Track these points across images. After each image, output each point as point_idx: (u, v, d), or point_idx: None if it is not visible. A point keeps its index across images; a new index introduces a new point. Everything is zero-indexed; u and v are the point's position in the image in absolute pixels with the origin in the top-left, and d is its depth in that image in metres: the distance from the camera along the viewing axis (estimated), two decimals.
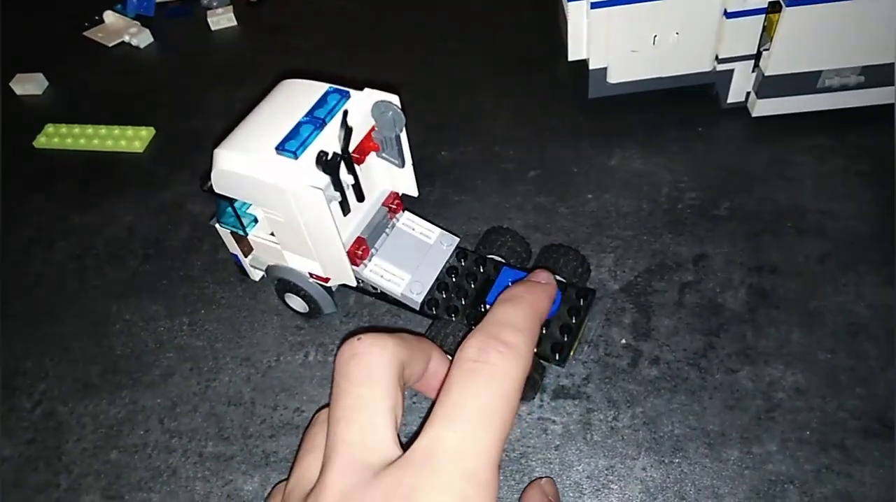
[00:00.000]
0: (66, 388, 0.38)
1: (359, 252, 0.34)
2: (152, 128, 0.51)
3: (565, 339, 0.32)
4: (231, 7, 0.61)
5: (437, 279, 0.35)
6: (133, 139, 0.51)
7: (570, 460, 0.32)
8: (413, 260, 0.35)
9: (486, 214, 0.42)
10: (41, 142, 0.52)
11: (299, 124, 0.31)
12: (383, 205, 0.35)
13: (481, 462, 0.20)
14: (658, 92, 0.46)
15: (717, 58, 0.44)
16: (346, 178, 0.32)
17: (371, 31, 0.59)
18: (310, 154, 0.30)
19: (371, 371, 0.22)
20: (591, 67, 0.44)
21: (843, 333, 0.35)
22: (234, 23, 0.60)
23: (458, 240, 0.35)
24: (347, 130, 0.31)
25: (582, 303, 0.33)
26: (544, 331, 0.32)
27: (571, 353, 0.32)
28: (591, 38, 0.43)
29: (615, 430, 0.33)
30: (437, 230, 0.36)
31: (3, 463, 0.35)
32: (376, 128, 0.32)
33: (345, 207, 0.33)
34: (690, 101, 0.47)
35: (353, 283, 0.35)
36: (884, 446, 0.31)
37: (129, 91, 0.56)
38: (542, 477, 0.31)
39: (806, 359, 0.35)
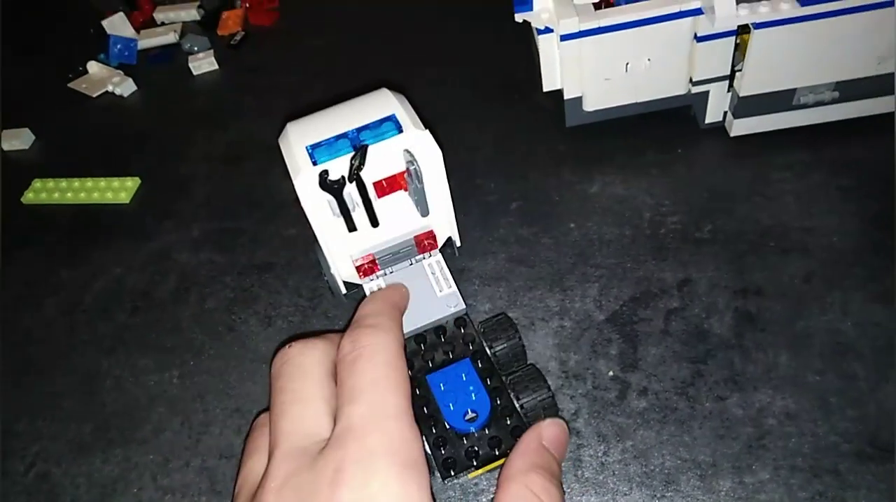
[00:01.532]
0: (59, 448, 0.38)
1: (365, 266, 0.35)
2: (138, 179, 0.52)
3: (469, 461, 0.28)
4: (212, 51, 0.61)
5: (419, 328, 0.34)
6: (119, 190, 0.51)
7: None
8: (413, 300, 0.35)
9: (470, 249, 0.42)
10: (29, 197, 0.52)
11: (344, 135, 0.32)
12: (416, 237, 0.35)
13: (393, 420, 0.22)
14: (635, 115, 0.46)
15: (691, 80, 0.44)
16: (356, 199, 0.33)
17: (350, 64, 0.59)
18: (327, 166, 0.31)
19: (303, 369, 0.25)
20: (566, 97, 0.45)
21: (830, 354, 0.35)
22: (216, 66, 0.61)
23: (464, 308, 0.34)
24: (359, 163, 0.31)
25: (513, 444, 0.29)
26: (464, 441, 0.29)
27: (464, 476, 0.28)
28: (563, 69, 0.43)
29: (606, 466, 0.33)
30: (453, 288, 0.35)
31: None
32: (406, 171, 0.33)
33: (349, 225, 0.34)
34: (669, 123, 0.47)
35: (336, 290, 0.36)
36: (877, 469, 0.31)
37: (114, 141, 0.56)
38: (548, 420, 0.29)
39: (795, 382, 0.34)
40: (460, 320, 0.34)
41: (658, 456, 0.33)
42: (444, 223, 0.36)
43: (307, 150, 0.32)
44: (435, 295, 0.35)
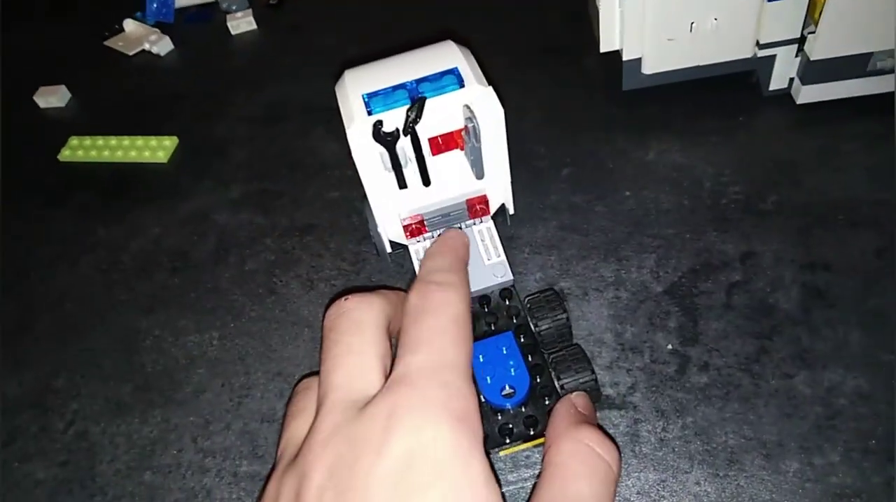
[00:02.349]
0: (98, 407, 0.37)
1: (413, 226, 0.34)
2: (175, 138, 0.51)
3: (502, 438, 0.27)
4: (250, 10, 0.60)
5: None
6: (157, 149, 0.50)
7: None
8: None
9: (520, 216, 0.41)
10: (65, 155, 0.51)
11: (402, 86, 0.30)
12: (468, 201, 0.34)
13: (451, 372, 0.22)
14: (695, 80, 0.43)
15: (757, 43, 0.41)
16: (409, 155, 0.31)
17: (392, 27, 0.57)
18: (381, 116, 0.30)
19: (359, 323, 0.24)
20: (624, 58, 0.42)
21: None
22: (254, 26, 0.59)
23: (511, 279, 0.33)
24: (416, 116, 0.30)
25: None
26: (499, 417, 0.28)
27: (495, 454, 0.28)
28: (624, 28, 0.41)
29: (665, 442, 0.31)
30: (502, 258, 0.34)
31: (36, 486, 0.35)
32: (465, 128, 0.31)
33: (399, 181, 0.33)
34: (730, 89, 0.45)
35: (381, 249, 0.35)
36: None
37: (151, 100, 0.55)
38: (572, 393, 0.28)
39: (867, 361, 0.32)
40: (506, 291, 0.33)
41: (721, 433, 0.31)
42: (498, 188, 0.34)
43: (363, 99, 0.30)
44: (483, 263, 0.34)
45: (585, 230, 0.40)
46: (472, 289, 0.33)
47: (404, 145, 0.31)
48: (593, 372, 0.29)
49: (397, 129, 0.30)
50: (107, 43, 0.61)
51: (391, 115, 0.30)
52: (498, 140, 0.32)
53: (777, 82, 0.43)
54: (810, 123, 0.43)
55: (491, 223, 0.35)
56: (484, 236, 0.35)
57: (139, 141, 0.51)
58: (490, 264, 0.34)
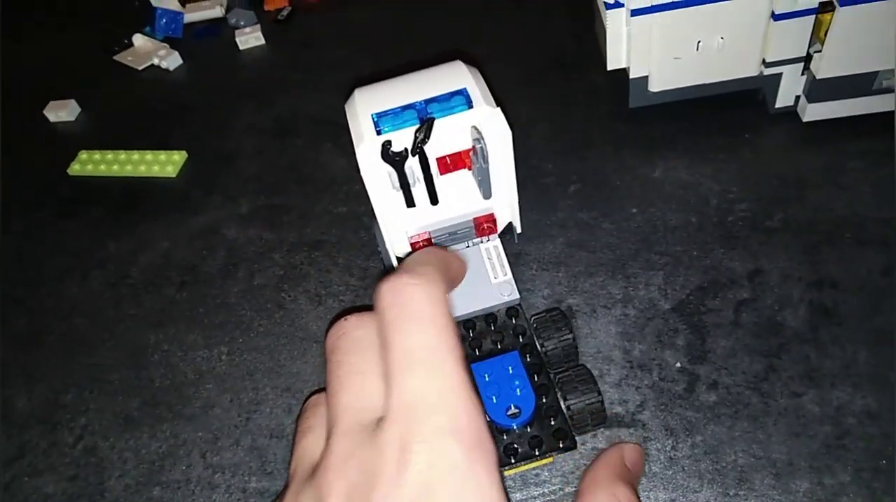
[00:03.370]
0: (106, 422, 0.37)
1: (420, 244, 0.34)
2: (184, 152, 0.51)
3: (507, 458, 0.28)
4: (258, 26, 0.60)
5: (469, 313, 0.33)
6: (166, 164, 0.50)
7: None
8: (465, 284, 0.34)
9: (527, 233, 0.41)
10: (75, 169, 0.52)
11: (411, 106, 0.31)
12: (475, 219, 0.34)
13: (456, 393, 0.21)
14: (701, 98, 0.44)
15: (763, 61, 0.42)
16: (417, 174, 0.32)
17: (399, 40, 0.58)
18: (390, 136, 0.30)
19: (360, 342, 0.23)
20: (631, 76, 0.43)
21: None
22: (262, 41, 0.60)
23: (518, 298, 0.33)
24: (424, 137, 0.30)
25: (561, 444, 0.29)
26: (504, 437, 0.29)
27: (514, 470, 0.28)
28: (631, 47, 0.41)
29: (674, 461, 0.31)
30: (509, 276, 0.34)
31: (46, 500, 0.35)
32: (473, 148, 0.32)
33: (408, 201, 0.33)
34: (735, 107, 0.45)
35: (388, 265, 0.35)
36: None
37: (160, 114, 0.56)
38: (628, 443, 0.28)
39: (875, 380, 0.33)
40: (512, 310, 0.33)
41: (730, 452, 0.31)
42: (505, 207, 0.35)
43: (372, 118, 0.30)
44: (489, 281, 0.34)
45: (593, 247, 0.40)
46: (479, 308, 0.33)
47: (412, 164, 0.31)
48: (599, 393, 0.29)
49: (406, 149, 0.30)
50: (116, 57, 0.61)
51: (400, 135, 0.30)
52: (505, 160, 0.32)
53: (783, 100, 0.43)
54: (816, 141, 0.43)
55: (498, 241, 0.35)
56: (491, 254, 0.35)
57: (148, 155, 0.51)
58: (497, 283, 0.34)
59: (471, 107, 0.30)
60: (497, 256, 0.35)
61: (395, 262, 0.35)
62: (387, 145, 0.30)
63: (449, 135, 0.31)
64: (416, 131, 0.30)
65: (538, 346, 0.31)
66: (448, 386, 0.21)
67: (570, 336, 0.31)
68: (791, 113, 0.44)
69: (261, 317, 0.40)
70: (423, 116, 0.30)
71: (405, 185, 0.32)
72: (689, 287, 0.37)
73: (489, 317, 0.33)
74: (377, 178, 0.31)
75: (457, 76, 0.31)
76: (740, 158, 0.43)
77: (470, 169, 0.33)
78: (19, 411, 0.38)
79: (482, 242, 0.35)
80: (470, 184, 0.34)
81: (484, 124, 0.31)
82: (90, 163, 0.52)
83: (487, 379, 0.29)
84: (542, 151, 0.46)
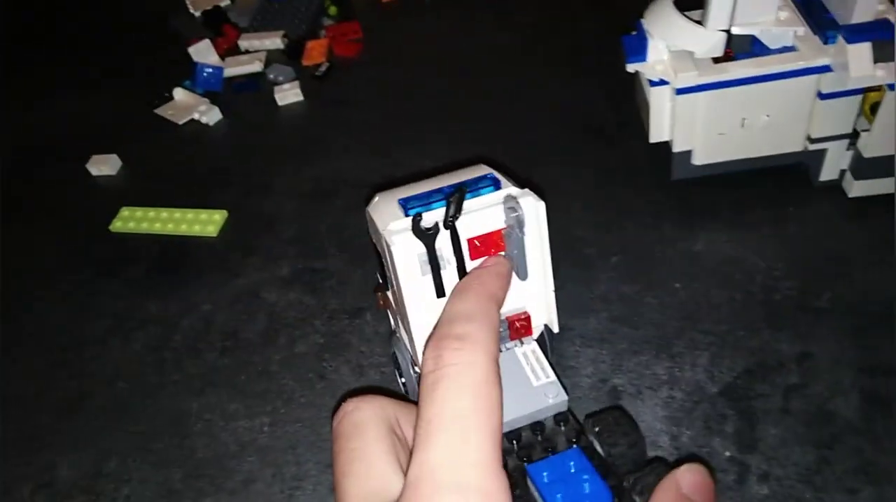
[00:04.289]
0: (149, 494, 0.37)
1: None
2: (225, 212, 0.52)
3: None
4: (297, 82, 0.61)
5: (512, 421, 0.29)
6: (207, 223, 0.51)
7: None
8: (504, 389, 0.31)
9: (569, 307, 0.41)
10: (117, 226, 0.53)
11: (437, 191, 0.30)
12: (507, 319, 0.31)
13: (473, 470, 0.19)
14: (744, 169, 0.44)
15: (809, 137, 0.42)
16: (447, 255, 0.29)
17: (438, 100, 0.58)
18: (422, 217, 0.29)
19: (359, 425, 0.23)
20: (674, 150, 0.43)
21: None
22: (301, 97, 0.61)
23: (566, 399, 0.29)
24: (456, 209, 0.28)
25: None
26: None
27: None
28: (675, 123, 0.41)
29: None
30: (552, 376, 0.30)
31: None
32: (506, 228, 0.30)
33: (438, 288, 0.30)
34: (779, 178, 0.45)
35: (410, 387, 0.33)
36: None
37: (200, 171, 0.57)
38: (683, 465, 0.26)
39: None
40: (560, 415, 0.29)
41: None
42: (540, 304, 0.31)
43: (399, 203, 0.29)
44: (531, 384, 0.30)
45: (636, 323, 0.40)
46: (522, 414, 0.29)
47: (442, 246, 0.29)
48: None
49: (436, 224, 0.28)
50: (157, 111, 0.62)
51: (429, 215, 0.28)
52: (540, 241, 0.30)
53: (828, 173, 0.43)
54: (862, 216, 0.42)
55: (535, 345, 0.32)
56: (529, 358, 0.31)
57: (189, 214, 0.52)
58: (539, 385, 0.30)
59: (498, 187, 0.30)
60: (536, 359, 0.31)
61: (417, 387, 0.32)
62: (417, 218, 0.28)
63: (478, 216, 0.29)
64: (447, 198, 0.28)
65: (599, 449, 0.27)
66: (466, 460, 0.20)
67: (640, 440, 0.28)
68: (835, 186, 0.44)
69: (302, 388, 0.40)
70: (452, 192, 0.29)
71: (436, 268, 0.29)
72: (736, 369, 0.37)
73: (535, 424, 0.29)
74: (408, 265, 0.28)
75: (480, 171, 0.30)
76: (785, 232, 0.43)
77: (503, 250, 0.31)
78: (63, 479, 0.39)
79: (516, 346, 0.32)
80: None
81: (517, 203, 0.29)
82: (132, 221, 0.53)
83: (547, 479, 0.27)
84: (581, 221, 0.46)
